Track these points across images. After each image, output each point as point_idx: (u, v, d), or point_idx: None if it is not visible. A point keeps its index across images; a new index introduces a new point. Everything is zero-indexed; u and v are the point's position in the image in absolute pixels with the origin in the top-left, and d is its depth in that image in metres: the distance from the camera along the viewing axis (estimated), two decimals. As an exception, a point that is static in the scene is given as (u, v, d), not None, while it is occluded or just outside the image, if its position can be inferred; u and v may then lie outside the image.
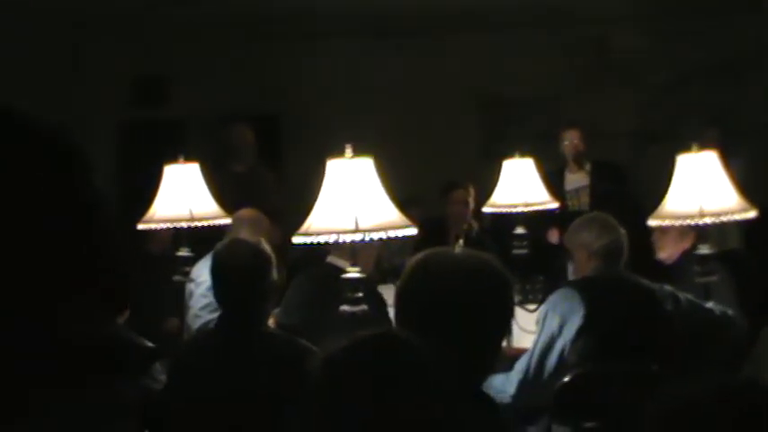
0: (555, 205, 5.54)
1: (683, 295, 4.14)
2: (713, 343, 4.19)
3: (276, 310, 4.28)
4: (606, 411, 3.78)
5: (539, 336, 3.97)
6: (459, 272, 2.17)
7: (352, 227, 3.35)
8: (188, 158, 4.73)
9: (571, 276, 4.45)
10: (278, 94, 8.44)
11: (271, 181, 7.04)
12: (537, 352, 3.94)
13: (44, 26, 7.57)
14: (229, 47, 8.33)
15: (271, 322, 4.01)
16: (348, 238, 3.35)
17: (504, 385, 3.87)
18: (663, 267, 4.75)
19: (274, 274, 3.50)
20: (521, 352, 4.06)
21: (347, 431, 1.63)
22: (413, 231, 3.44)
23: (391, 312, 2.35)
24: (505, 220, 5.51)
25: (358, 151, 3.49)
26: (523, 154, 5.49)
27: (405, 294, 2.20)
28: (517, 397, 3.87)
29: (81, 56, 8.23)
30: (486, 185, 5.66)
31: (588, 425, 3.83)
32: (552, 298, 4.09)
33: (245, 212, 5.07)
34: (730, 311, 4.25)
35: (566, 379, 3.80)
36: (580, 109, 8.04)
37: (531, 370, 3.91)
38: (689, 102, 8.21)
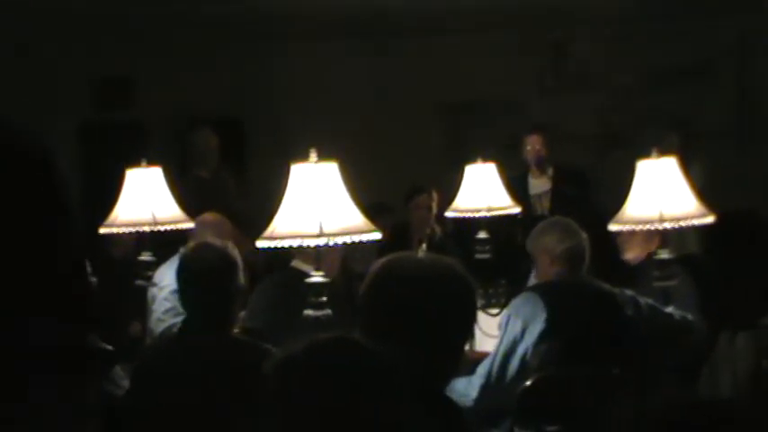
0: (517, 210, 5.57)
1: (643, 300, 4.18)
2: (673, 347, 4.23)
3: (241, 314, 4.28)
4: (568, 415, 3.81)
5: (501, 340, 4.00)
6: (422, 276, 2.18)
7: (317, 231, 3.35)
8: (151, 162, 4.71)
9: (533, 281, 4.48)
10: (242, 98, 8.41)
11: (234, 186, 7.02)
12: (499, 356, 3.96)
13: (3, 26, 7.50)
14: (194, 49, 8.29)
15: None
16: (312, 242, 3.35)
17: (466, 389, 3.89)
18: (624, 272, 4.79)
19: (241, 279, 3.49)
20: (483, 356, 4.07)
21: None
22: (377, 236, 3.46)
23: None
24: (468, 225, 5.53)
25: (321, 156, 3.50)
26: (486, 159, 5.52)
27: (368, 299, 2.20)
28: (479, 401, 3.89)
29: (42, 57, 8.15)
30: (449, 190, 5.69)
31: (550, 429, 3.85)
32: (515, 302, 4.12)
33: (208, 216, 5.06)
34: (690, 316, 4.30)
35: (528, 383, 3.82)
36: (541, 113, 8.09)
37: (494, 374, 3.93)
38: (649, 107, 8.29)
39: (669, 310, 4.24)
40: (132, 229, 4.58)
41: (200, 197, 5.85)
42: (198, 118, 7.58)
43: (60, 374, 1.14)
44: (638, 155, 4.44)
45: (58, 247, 1.11)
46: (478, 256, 5.24)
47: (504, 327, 4.01)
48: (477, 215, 5.37)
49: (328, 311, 3.45)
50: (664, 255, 4.33)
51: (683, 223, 4.25)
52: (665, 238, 4.40)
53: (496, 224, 5.49)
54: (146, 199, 4.59)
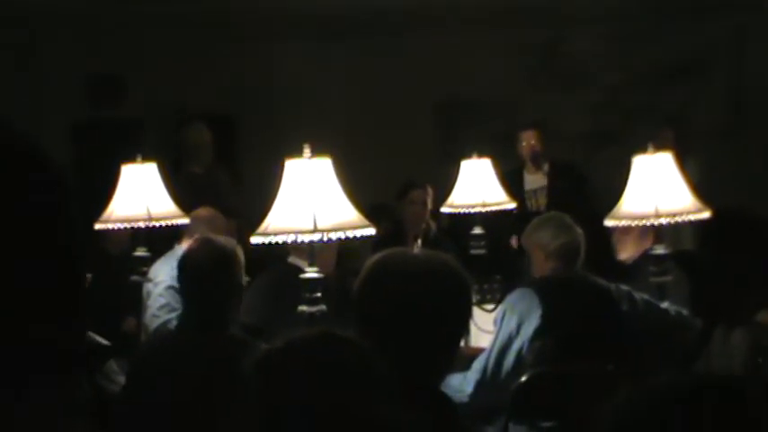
0: (512, 205, 5.57)
1: (638, 295, 4.18)
2: (668, 343, 4.23)
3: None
4: (563, 411, 3.81)
5: (496, 335, 3.99)
6: (417, 272, 2.18)
7: (311, 227, 3.35)
8: (145, 158, 4.70)
9: (527, 274, 4.49)
10: (235, 94, 8.40)
11: (228, 181, 7.01)
12: (494, 352, 3.95)
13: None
14: (187, 46, 8.28)
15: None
16: (307, 238, 3.35)
17: (461, 385, 3.89)
18: (620, 267, 4.79)
19: (242, 276, 3.48)
20: (478, 352, 4.07)
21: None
22: (371, 231, 3.45)
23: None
24: (463, 221, 5.53)
25: (315, 152, 3.49)
26: (481, 154, 5.52)
27: (362, 295, 2.20)
28: (474, 396, 3.88)
29: (35, 54, 8.13)
30: (444, 186, 5.69)
31: (545, 425, 3.85)
32: (510, 298, 4.12)
33: (202, 211, 5.05)
34: (685, 311, 4.30)
35: (523, 379, 3.82)
36: (534, 110, 8.09)
37: (489, 370, 3.93)
38: (642, 103, 8.30)
39: (664, 305, 4.25)
40: (127, 225, 4.58)
41: (194, 193, 5.84)
42: (191, 114, 7.56)
43: (55, 371, 1.13)
44: (633, 151, 4.44)
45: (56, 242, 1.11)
46: (473, 251, 5.24)
47: (499, 322, 4.01)
48: (472, 211, 5.37)
49: (323, 307, 3.44)
50: (659, 250, 4.34)
51: (678, 219, 4.25)
52: (660, 233, 4.40)
53: (491, 220, 5.49)
54: (141, 195, 4.59)
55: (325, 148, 3.54)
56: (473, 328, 4.27)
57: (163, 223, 4.60)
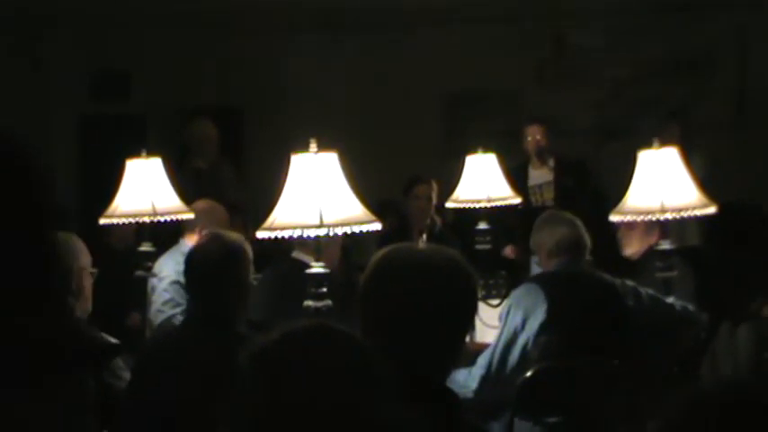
0: (517, 201, 5.56)
1: (644, 290, 4.18)
2: (674, 338, 4.23)
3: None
4: (568, 406, 3.80)
5: (501, 331, 3.99)
6: (422, 267, 2.18)
7: (317, 222, 3.35)
8: (150, 153, 4.70)
9: (534, 272, 4.48)
10: (241, 89, 8.40)
11: (233, 176, 7.01)
12: (499, 347, 3.95)
13: (2, 20, 7.48)
14: (192, 41, 8.27)
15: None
16: (312, 232, 3.35)
17: (466, 380, 3.89)
18: (626, 262, 4.79)
19: (250, 272, 3.46)
20: (484, 347, 4.07)
21: (275, 427, 1.56)
22: (377, 226, 3.45)
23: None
24: (468, 216, 5.53)
25: (321, 146, 3.49)
26: (486, 149, 5.51)
27: (368, 290, 2.20)
28: (479, 392, 3.88)
29: (41, 50, 8.14)
30: (449, 181, 5.68)
31: (550, 420, 3.85)
32: (515, 293, 4.11)
33: (200, 203, 5.03)
34: (691, 307, 4.30)
35: (528, 374, 3.82)
36: (540, 105, 8.08)
37: (494, 365, 3.93)
38: (647, 98, 8.28)
39: (670, 300, 4.24)
40: (132, 220, 4.57)
41: (199, 187, 5.85)
42: (196, 108, 7.56)
43: (63, 370, 1.13)
44: (639, 145, 4.43)
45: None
46: (479, 246, 5.23)
47: (504, 318, 4.01)
48: (477, 206, 5.36)
49: (329, 302, 3.44)
50: (665, 245, 4.33)
51: (684, 213, 4.24)
52: (666, 228, 4.39)
53: (497, 215, 5.49)
54: (146, 189, 4.58)
55: (330, 143, 3.54)
56: (478, 324, 4.28)
57: (168, 218, 4.59)
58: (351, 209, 3.45)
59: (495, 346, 3.97)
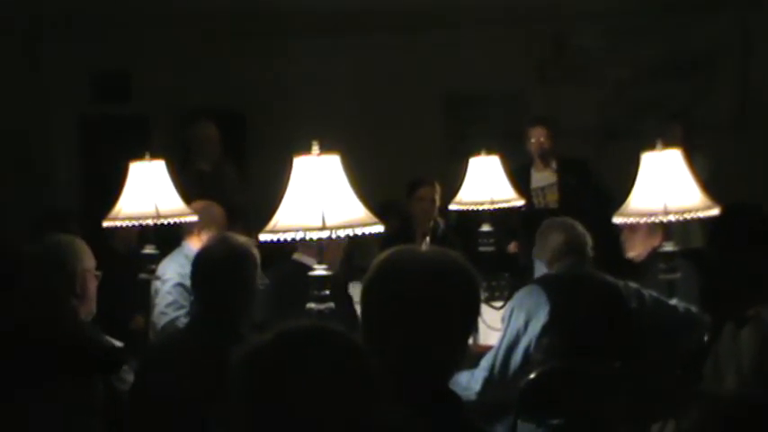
0: (521, 203, 5.56)
1: (647, 292, 4.17)
2: (677, 340, 4.23)
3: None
4: (571, 408, 3.80)
5: (504, 333, 3.99)
6: (425, 270, 2.17)
7: (319, 224, 3.35)
8: (153, 155, 4.70)
9: (538, 274, 4.48)
10: (243, 91, 8.40)
11: (235, 178, 7.01)
12: (502, 349, 3.95)
13: (3, 20, 7.49)
14: (195, 42, 8.28)
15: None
16: (315, 235, 3.35)
17: (469, 383, 3.89)
18: (629, 264, 4.79)
19: (256, 276, 3.45)
20: (487, 349, 4.07)
21: (267, 429, 1.54)
22: (380, 229, 3.45)
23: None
24: (472, 218, 5.53)
25: (323, 148, 3.49)
26: (489, 151, 5.51)
27: (370, 292, 2.19)
28: (482, 394, 3.88)
29: (43, 50, 8.14)
30: (452, 183, 5.68)
31: (553, 422, 3.85)
32: (518, 295, 4.11)
33: (196, 204, 5.01)
34: (694, 308, 4.29)
35: (531, 376, 3.81)
36: (542, 106, 8.08)
37: (497, 367, 3.93)
38: (649, 99, 8.28)
39: (673, 302, 4.24)
40: (135, 223, 4.57)
41: (202, 190, 5.84)
42: (199, 110, 7.56)
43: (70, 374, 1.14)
44: (641, 146, 4.43)
45: None
46: (482, 248, 5.23)
47: (507, 320, 4.01)
48: (480, 208, 5.36)
49: (331, 305, 3.44)
50: (668, 247, 4.33)
51: (687, 215, 4.24)
52: (669, 230, 4.39)
53: (500, 217, 5.48)
54: (149, 192, 4.59)
55: (333, 145, 3.54)
56: (481, 326, 4.28)
57: (171, 221, 4.60)
58: (353, 211, 3.45)
59: (498, 348, 3.97)
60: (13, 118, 7.68)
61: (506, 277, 5.32)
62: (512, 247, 6.45)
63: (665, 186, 4.26)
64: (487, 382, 3.90)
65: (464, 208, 5.49)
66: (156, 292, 4.93)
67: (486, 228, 5.31)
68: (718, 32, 8.22)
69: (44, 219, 5.68)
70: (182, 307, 4.87)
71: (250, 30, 8.26)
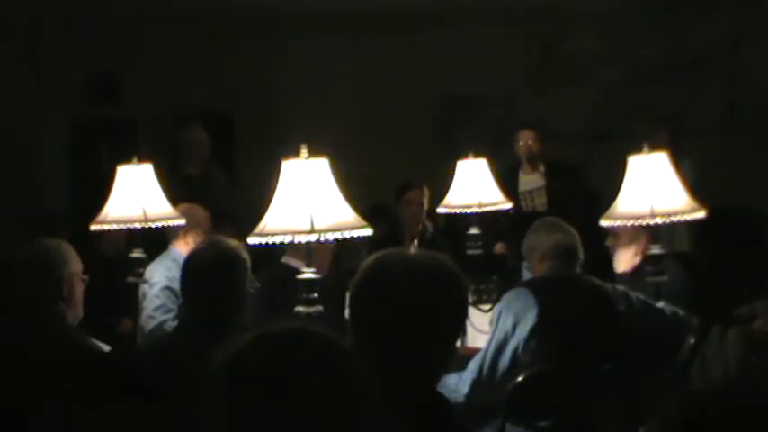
0: (508, 206, 5.57)
1: (635, 295, 4.19)
2: (664, 343, 4.24)
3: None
4: (560, 411, 3.81)
5: (492, 335, 4.00)
6: (414, 273, 2.18)
7: (308, 227, 3.35)
8: (141, 159, 4.70)
9: (525, 277, 4.49)
10: (232, 94, 8.40)
11: (224, 182, 7.01)
12: (490, 351, 3.96)
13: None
14: (184, 45, 8.27)
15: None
16: (303, 238, 3.35)
17: (457, 385, 3.89)
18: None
19: (246, 281, 3.45)
20: (475, 351, 4.08)
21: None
22: (368, 232, 3.45)
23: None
24: (460, 221, 5.53)
25: (312, 152, 3.50)
26: (477, 154, 5.52)
27: (359, 295, 2.20)
28: (470, 396, 3.89)
29: (33, 53, 8.12)
30: (441, 186, 5.69)
31: (542, 424, 3.86)
32: (506, 297, 4.12)
33: (180, 208, 5.01)
34: (681, 311, 4.31)
35: (519, 379, 3.82)
36: (533, 108, 8.10)
37: (485, 369, 3.93)
38: (639, 102, 8.31)
39: (660, 305, 4.25)
40: (123, 226, 4.57)
41: (190, 193, 5.84)
42: (188, 114, 7.55)
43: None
44: (628, 150, 4.45)
45: None
46: (470, 251, 5.24)
47: (495, 322, 4.02)
48: (468, 211, 5.37)
49: (320, 308, 3.45)
50: (655, 250, 4.34)
51: (674, 218, 4.26)
52: (656, 233, 4.41)
53: (488, 220, 5.50)
54: (137, 196, 4.58)
55: (321, 148, 3.54)
56: (469, 329, 4.29)
57: (159, 224, 4.59)
58: (342, 214, 3.45)
59: (486, 350, 3.98)
60: (5, 119, 7.66)
61: (494, 280, 5.32)
62: (498, 247, 6.45)
63: (652, 189, 4.28)
64: (475, 384, 3.91)
65: (452, 211, 5.50)
66: (144, 295, 4.92)
67: (474, 231, 5.32)
68: (707, 36, 8.25)
69: (33, 223, 5.67)
70: (169, 311, 4.87)
71: (239, 32, 8.26)
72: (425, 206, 6.27)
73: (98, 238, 5.49)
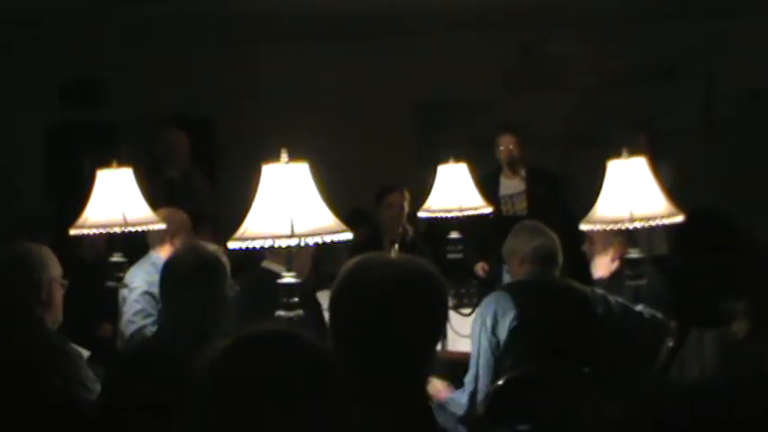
0: (489, 210, 5.59)
1: (613, 298, 4.21)
2: (643, 345, 4.27)
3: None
4: (539, 414, 3.83)
5: (477, 346, 4.02)
6: (393, 277, 2.18)
7: (288, 232, 3.35)
8: (121, 163, 4.68)
9: (506, 281, 4.52)
10: (213, 97, 8.38)
11: (205, 186, 6.99)
12: (480, 360, 4.00)
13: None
14: (165, 48, 8.25)
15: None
16: (284, 243, 3.35)
17: (460, 399, 3.98)
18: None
19: (226, 286, 3.43)
20: (455, 356, 4.10)
21: None
22: (348, 236, 3.46)
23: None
24: (440, 225, 5.54)
25: (292, 156, 3.50)
26: (458, 159, 5.53)
27: (339, 299, 2.20)
28: (470, 407, 3.95)
29: (11, 54, 8.08)
30: (421, 190, 5.70)
31: (522, 428, 3.87)
32: (485, 301, 4.14)
33: (161, 212, 5.00)
34: (659, 314, 4.34)
35: (499, 383, 3.84)
36: (512, 112, 8.13)
37: (479, 380, 3.99)
38: (617, 106, 8.35)
39: (639, 308, 4.28)
40: (103, 230, 4.55)
41: (171, 197, 5.82)
42: (168, 117, 7.53)
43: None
44: (607, 155, 4.47)
45: None
46: (450, 256, 5.25)
47: (477, 334, 4.04)
48: (449, 215, 5.38)
49: (300, 312, 3.45)
50: (633, 254, 4.37)
51: (652, 222, 4.28)
52: (634, 237, 4.43)
53: (468, 224, 5.51)
54: (116, 200, 4.56)
55: (302, 152, 3.55)
56: (450, 333, 4.30)
57: (139, 228, 4.58)
58: (322, 219, 3.45)
59: (476, 361, 4.01)
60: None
61: (475, 284, 5.34)
62: (479, 267, 6.40)
63: (631, 194, 4.30)
64: (472, 395, 3.97)
65: (433, 215, 5.51)
66: (124, 300, 4.91)
67: (454, 235, 5.33)
68: (685, 40, 8.30)
69: (13, 227, 5.64)
70: (149, 315, 4.85)
71: (219, 36, 8.25)
72: (406, 209, 6.28)
73: (77, 243, 5.47)
